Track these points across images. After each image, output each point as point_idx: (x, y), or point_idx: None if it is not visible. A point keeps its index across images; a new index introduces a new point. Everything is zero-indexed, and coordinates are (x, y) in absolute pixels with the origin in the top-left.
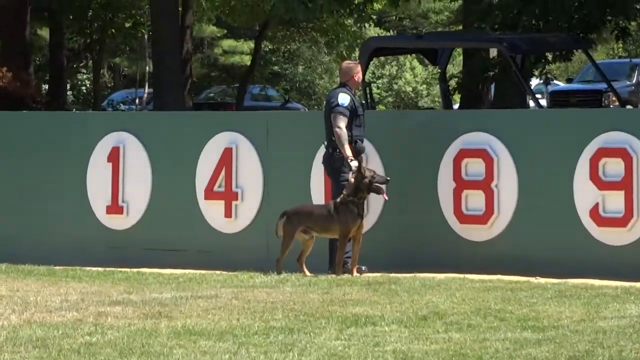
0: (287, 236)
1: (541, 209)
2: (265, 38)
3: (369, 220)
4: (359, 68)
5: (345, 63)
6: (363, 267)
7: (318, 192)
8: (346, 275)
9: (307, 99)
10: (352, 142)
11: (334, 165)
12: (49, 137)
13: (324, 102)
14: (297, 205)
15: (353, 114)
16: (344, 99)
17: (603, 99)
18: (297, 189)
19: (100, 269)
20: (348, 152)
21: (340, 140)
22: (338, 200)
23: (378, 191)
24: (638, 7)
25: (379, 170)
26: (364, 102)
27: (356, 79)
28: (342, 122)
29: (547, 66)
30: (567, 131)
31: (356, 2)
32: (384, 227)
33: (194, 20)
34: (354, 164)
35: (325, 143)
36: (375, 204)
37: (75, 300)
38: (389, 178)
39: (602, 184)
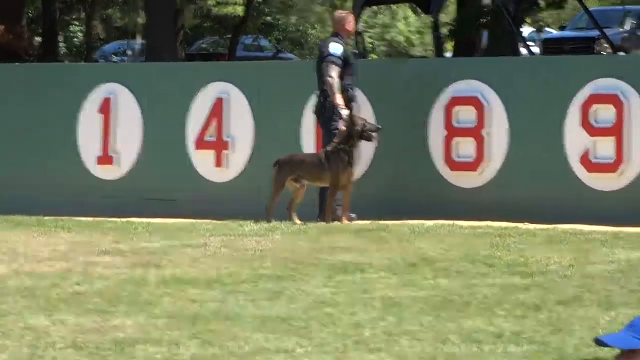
0: (277, 184)
1: (532, 155)
2: None
3: (360, 168)
4: (351, 17)
5: (338, 12)
6: (353, 215)
7: (309, 142)
8: (336, 223)
9: (299, 49)
10: (344, 90)
11: (325, 114)
12: (41, 89)
13: (319, 51)
14: (289, 154)
15: (345, 63)
16: (335, 48)
17: (595, 46)
18: (288, 139)
19: (89, 219)
20: (339, 100)
21: (331, 89)
22: (329, 148)
23: (369, 139)
24: None
25: (371, 118)
26: (356, 51)
27: (348, 28)
28: (334, 71)
29: (539, 14)
30: (558, 78)
31: None
32: (374, 174)
33: None
34: (345, 112)
35: (317, 92)
36: (366, 152)
37: (64, 251)
38: (380, 126)
39: (593, 130)
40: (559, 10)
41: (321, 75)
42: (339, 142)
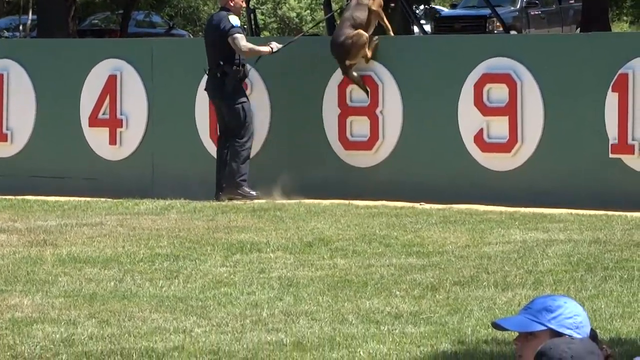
0: None
1: (426, 135)
2: None
3: (254, 148)
4: None
5: None
6: (254, 193)
7: (203, 119)
8: (233, 202)
9: (191, 25)
10: (241, 64)
11: (226, 89)
12: None
13: (206, 27)
14: None
15: None
16: (235, 20)
17: (487, 25)
18: (181, 116)
19: None
20: (267, 48)
21: (254, 53)
22: None
23: None
24: None
25: (265, 96)
26: (245, 26)
27: (233, 4)
28: (245, 41)
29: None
30: (451, 57)
31: None
32: (270, 154)
33: None
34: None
35: (207, 70)
36: (261, 130)
37: None
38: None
39: (486, 110)
40: None
41: (216, 51)
42: None
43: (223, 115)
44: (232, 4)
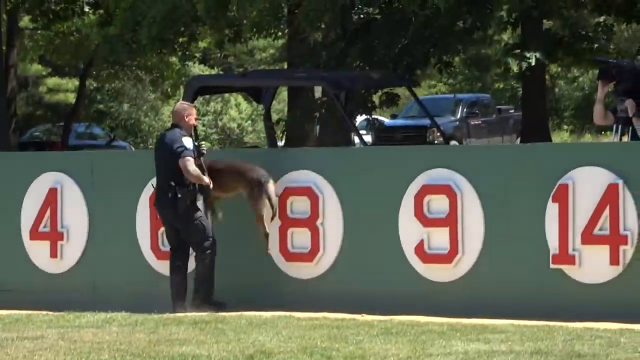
0: None
1: (367, 246)
2: (90, 76)
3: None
4: (192, 110)
5: (179, 104)
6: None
7: (144, 233)
8: (175, 314)
9: (132, 137)
10: (191, 184)
11: (180, 207)
12: None
13: (157, 142)
14: None
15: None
16: (188, 142)
17: (428, 135)
18: (123, 229)
19: None
20: (207, 180)
21: (199, 179)
22: None
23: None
24: (459, 46)
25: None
26: None
27: (188, 121)
28: (193, 165)
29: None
30: (391, 168)
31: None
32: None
33: (18, 59)
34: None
35: (154, 185)
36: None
37: None
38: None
39: (427, 221)
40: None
41: (169, 168)
42: None
43: (176, 231)
44: (185, 121)
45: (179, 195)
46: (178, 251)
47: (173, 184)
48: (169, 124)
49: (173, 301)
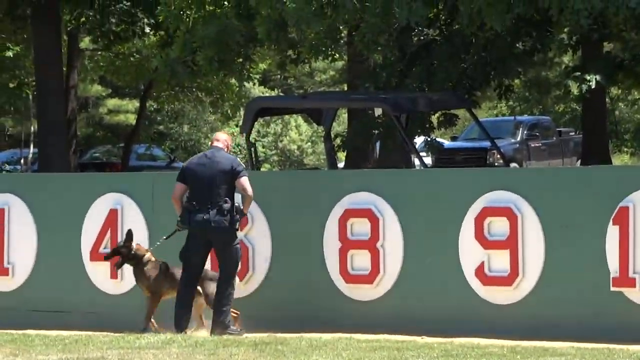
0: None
1: (427, 267)
2: (150, 97)
3: (256, 280)
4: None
5: (227, 134)
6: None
7: None
8: (232, 336)
9: None
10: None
11: (232, 230)
12: None
13: (203, 161)
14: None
15: None
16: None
17: (488, 157)
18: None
19: None
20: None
21: (250, 204)
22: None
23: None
24: (519, 69)
25: (265, 231)
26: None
27: (228, 150)
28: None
29: (431, 132)
30: (452, 190)
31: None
32: (271, 286)
33: (78, 80)
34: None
35: (197, 205)
36: (262, 263)
37: None
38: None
39: (487, 243)
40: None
41: (226, 189)
42: None
43: (206, 252)
44: (227, 149)
45: (237, 217)
46: (195, 271)
47: (230, 204)
48: None
49: (177, 320)
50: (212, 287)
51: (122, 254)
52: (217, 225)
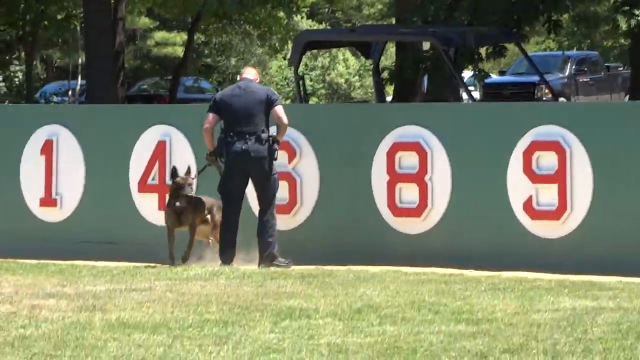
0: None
1: (475, 201)
2: (198, 30)
3: (304, 213)
4: None
5: (255, 69)
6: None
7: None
8: (280, 268)
9: None
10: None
11: (271, 159)
12: None
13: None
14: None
15: None
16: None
17: (536, 91)
18: None
19: (34, 261)
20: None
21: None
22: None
23: None
24: (568, 3)
25: (313, 164)
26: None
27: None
28: None
29: (480, 63)
30: (500, 124)
31: None
32: (319, 220)
33: (126, 12)
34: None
35: (251, 137)
36: (310, 196)
37: (9, 293)
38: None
39: (535, 177)
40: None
41: (262, 118)
42: None
43: (246, 182)
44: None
45: (275, 146)
46: (237, 204)
47: (267, 133)
48: (276, 78)
49: (223, 252)
50: (218, 216)
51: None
52: (256, 155)
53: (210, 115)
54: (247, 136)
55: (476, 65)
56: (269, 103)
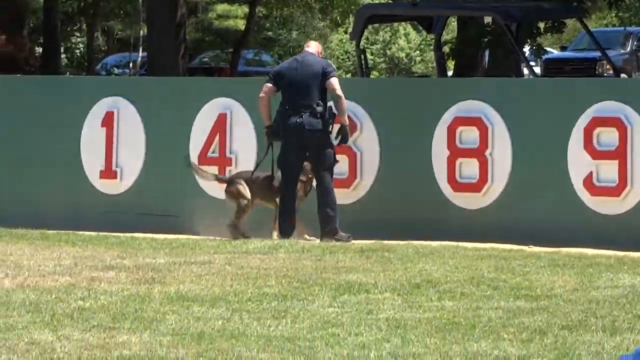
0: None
1: (535, 177)
2: (260, 3)
3: (363, 187)
4: None
5: (318, 43)
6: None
7: None
8: (340, 243)
9: None
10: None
11: (326, 133)
12: (43, 101)
13: (294, 65)
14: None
15: None
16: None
17: (597, 67)
18: None
19: (93, 233)
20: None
21: (345, 106)
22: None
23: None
24: None
25: (374, 138)
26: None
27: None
28: None
29: (539, 37)
30: (561, 100)
31: None
32: (378, 195)
33: None
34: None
35: (306, 111)
36: (369, 172)
37: (69, 265)
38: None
39: (596, 153)
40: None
41: (319, 92)
42: None
43: (304, 156)
44: (319, 55)
45: (330, 119)
46: (294, 178)
47: (323, 106)
48: (337, 52)
49: (283, 226)
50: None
51: None
52: (312, 128)
53: (267, 85)
54: (303, 109)
55: (534, 40)
56: (324, 75)
